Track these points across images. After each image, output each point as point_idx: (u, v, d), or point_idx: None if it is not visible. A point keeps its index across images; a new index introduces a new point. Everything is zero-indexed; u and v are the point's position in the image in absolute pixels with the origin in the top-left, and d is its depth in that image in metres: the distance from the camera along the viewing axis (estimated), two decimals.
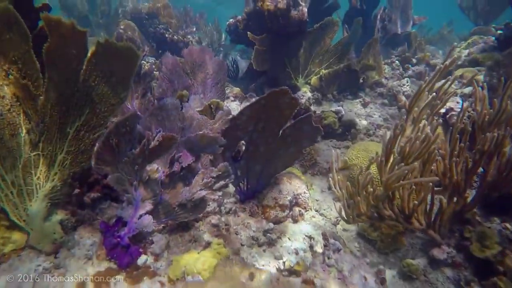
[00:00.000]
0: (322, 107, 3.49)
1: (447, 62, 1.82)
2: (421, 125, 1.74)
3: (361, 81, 3.65)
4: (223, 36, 5.42)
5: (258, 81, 3.71)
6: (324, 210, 2.33)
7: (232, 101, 3.45)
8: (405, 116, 1.79)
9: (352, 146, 2.32)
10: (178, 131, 2.21)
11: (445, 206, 1.76)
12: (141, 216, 1.45)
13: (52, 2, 5.16)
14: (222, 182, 1.60)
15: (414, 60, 4.20)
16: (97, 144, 1.36)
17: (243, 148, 1.96)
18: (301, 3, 3.37)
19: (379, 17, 4.28)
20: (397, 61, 4.02)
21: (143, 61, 3.59)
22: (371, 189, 1.70)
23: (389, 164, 1.76)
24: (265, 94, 1.79)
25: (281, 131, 2.04)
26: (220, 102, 2.69)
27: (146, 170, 1.46)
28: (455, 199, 1.80)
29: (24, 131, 1.25)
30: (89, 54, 1.29)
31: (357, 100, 3.53)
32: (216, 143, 1.57)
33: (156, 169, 1.46)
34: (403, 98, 3.32)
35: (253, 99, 3.56)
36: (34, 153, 1.26)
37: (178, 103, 2.22)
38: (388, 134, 1.86)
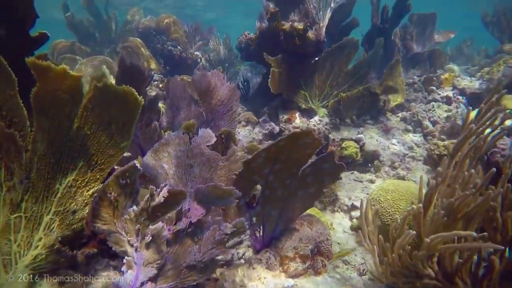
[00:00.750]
0: (340, 133, 3.28)
1: (493, 99, 1.61)
2: (467, 173, 1.52)
3: (381, 104, 3.44)
4: (234, 53, 5.27)
5: (272, 103, 3.53)
6: (347, 255, 2.10)
7: (243, 126, 3.26)
8: (447, 161, 1.57)
9: (380, 185, 2.10)
10: (186, 168, 2.02)
11: (496, 266, 1.52)
12: (142, 284, 1.25)
13: (58, 20, 5.05)
14: (236, 239, 1.39)
15: (435, 80, 3.98)
16: (93, 199, 1.17)
17: (259, 192, 1.76)
18: (318, 21, 3.20)
19: (399, 35, 4.09)
20: (419, 82, 3.80)
21: (150, 83, 3.43)
22: (409, 247, 1.49)
23: (428, 216, 1.55)
24: (285, 136, 1.60)
25: (300, 171, 1.84)
26: (232, 132, 2.50)
27: (149, 230, 1.26)
28: (507, 256, 1.57)
29: (5, 189, 1.07)
30: (84, 99, 1.12)
31: (378, 126, 3.32)
32: (231, 195, 1.37)
33: (161, 228, 1.26)
34: (429, 125, 3.09)
35: (267, 124, 3.38)
36: (15, 215, 1.08)
37: (185, 138, 2.04)
38: (425, 179, 1.65)
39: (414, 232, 1.46)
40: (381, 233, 1.65)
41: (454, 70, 4.14)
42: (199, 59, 4.85)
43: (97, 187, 1.17)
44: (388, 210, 1.96)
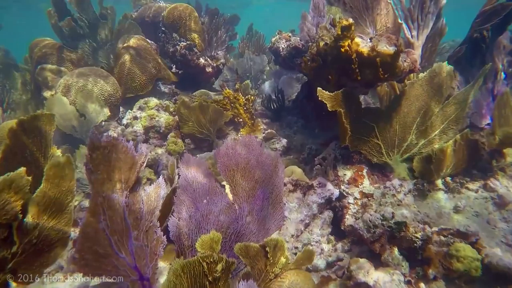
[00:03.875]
0: (427, 202, 2.31)
1: None
2: None
3: (488, 158, 2.44)
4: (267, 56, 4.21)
5: (328, 152, 2.54)
6: None
7: (290, 191, 2.30)
8: None
9: None
10: None
11: None
12: None
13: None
14: None
15: None
16: None
17: None
18: (412, 40, 2.15)
19: (502, 47, 2.98)
20: None
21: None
22: None
23: None
24: None
25: None
26: (280, 242, 1.58)
27: None
28: None
29: None
30: None
31: (486, 194, 2.32)
32: None
33: None
34: None
35: (324, 190, 2.41)
36: None
37: None
38: None
39: None
40: None
41: None
42: (221, 65, 3.83)
43: None
44: None
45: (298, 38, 3.26)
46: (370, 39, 2.14)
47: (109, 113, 2.73)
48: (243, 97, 3.08)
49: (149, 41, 4.00)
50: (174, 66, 3.82)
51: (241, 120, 3.14)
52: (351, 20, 2.01)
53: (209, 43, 4.01)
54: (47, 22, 3.82)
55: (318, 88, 2.21)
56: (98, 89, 2.82)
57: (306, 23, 3.29)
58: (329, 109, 2.25)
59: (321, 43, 2.44)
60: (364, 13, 2.27)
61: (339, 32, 2.02)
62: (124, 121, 3.10)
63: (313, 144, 3.09)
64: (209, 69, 3.69)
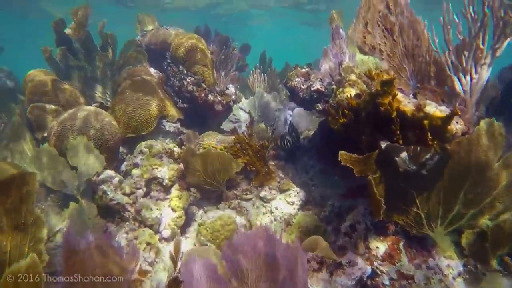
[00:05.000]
0: None
1: None
2: None
3: None
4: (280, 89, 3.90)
5: (356, 218, 2.19)
6: None
7: (315, 271, 1.94)
8: None
9: None
10: None
11: None
12: None
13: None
14: None
15: None
16: None
17: None
18: (463, 96, 1.82)
19: None
20: None
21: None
22: None
23: None
24: None
25: None
26: None
27: None
28: None
29: None
30: None
31: None
32: None
33: None
34: None
35: (355, 269, 2.04)
36: None
37: None
38: None
39: None
40: None
41: None
42: (231, 102, 3.53)
43: None
44: None
45: (319, 78, 2.95)
46: (414, 95, 1.81)
47: (105, 163, 2.42)
48: (256, 143, 2.76)
49: (154, 71, 3.74)
50: (180, 101, 3.53)
51: (254, 168, 2.80)
52: (392, 74, 1.69)
53: (218, 77, 3.72)
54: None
55: (341, 152, 1.89)
56: (93, 134, 2.51)
57: (328, 61, 2.99)
58: (356, 175, 1.92)
59: (351, 92, 2.13)
60: (404, 61, 1.95)
61: (379, 88, 1.70)
62: (123, 168, 2.78)
63: (334, 197, 2.75)
64: (218, 107, 3.39)
